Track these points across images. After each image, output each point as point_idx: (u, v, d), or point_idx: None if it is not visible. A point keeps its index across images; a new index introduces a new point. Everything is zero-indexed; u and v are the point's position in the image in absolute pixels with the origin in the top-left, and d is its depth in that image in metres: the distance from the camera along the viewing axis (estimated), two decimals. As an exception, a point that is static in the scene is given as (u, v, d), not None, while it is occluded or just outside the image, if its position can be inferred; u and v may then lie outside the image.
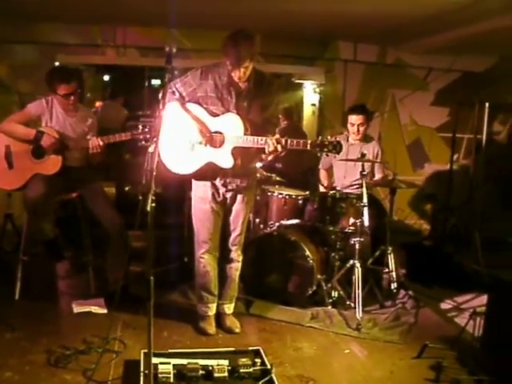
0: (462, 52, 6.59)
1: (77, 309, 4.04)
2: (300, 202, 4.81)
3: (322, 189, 5.15)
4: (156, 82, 9.08)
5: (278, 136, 3.35)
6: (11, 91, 6.12)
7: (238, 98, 3.52)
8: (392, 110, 7.17)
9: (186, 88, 3.57)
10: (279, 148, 3.31)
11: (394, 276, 4.60)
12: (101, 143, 3.99)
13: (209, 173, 3.59)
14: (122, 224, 4.19)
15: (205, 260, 3.76)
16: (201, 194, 3.69)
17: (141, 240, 6.12)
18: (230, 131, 3.44)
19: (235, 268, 3.87)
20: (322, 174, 5.34)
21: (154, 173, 2.57)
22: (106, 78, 9.93)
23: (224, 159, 3.45)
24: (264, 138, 3.34)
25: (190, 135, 3.52)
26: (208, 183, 3.65)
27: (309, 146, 3.30)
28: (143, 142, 3.97)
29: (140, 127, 4.04)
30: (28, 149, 4.06)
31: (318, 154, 3.34)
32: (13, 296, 4.15)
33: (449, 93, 7.18)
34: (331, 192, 4.58)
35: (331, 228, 4.42)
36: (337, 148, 3.28)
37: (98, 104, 8.43)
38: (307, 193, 4.92)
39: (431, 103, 7.28)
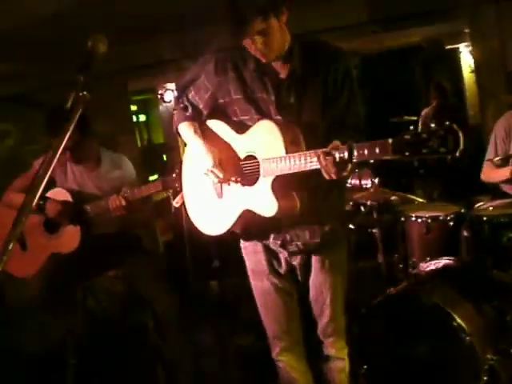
0: None
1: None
2: (451, 224, 3.10)
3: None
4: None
5: (337, 142, 1.82)
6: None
7: (279, 92, 2.07)
8: None
9: (202, 95, 2.20)
10: (335, 167, 1.80)
11: None
12: (123, 203, 2.80)
13: (252, 228, 2.19)
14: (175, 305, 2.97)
15: (285, 364, 2.36)
16: (253, 266, 2.29)
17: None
18: (265, 151, 2.00)
19: (337, 369, 2.36)
20: (488, 171, 3.32)
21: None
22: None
23: (262, 201, 2.01)
24: (318, 154, 1.84)
25: (214, 171, 2.14)
26: (259, 246, 2.24)
27: (391, 150, 1.67)
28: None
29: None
30: (40, 222, 3.03)
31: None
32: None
33: None
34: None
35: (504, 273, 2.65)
36: (446, 143, 1.58)
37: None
38: (462, 211, 3.18)
39: None
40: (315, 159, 1.85)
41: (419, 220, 3.13)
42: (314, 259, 2.22)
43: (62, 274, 2.91)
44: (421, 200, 3.43)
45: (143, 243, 3.07)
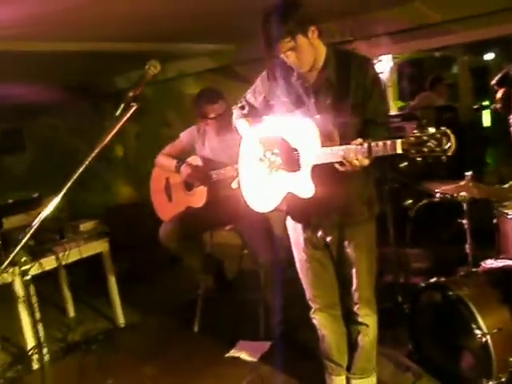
0: None
1: (230, 352, 3.69)
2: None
3: None
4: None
5: (360, 140, 2.18)
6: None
7: (318, 96, 2.49)
8: None
9: (257, 97, 2.73)
10: (357, 159, 2.17)
11: None
12: (235, 174, 3.49)
13: (294, 208, 2.69)
14: (275, 261, 3.60)
15: (317, 321, 2.87)
16: (294, 239, 2.81)
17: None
18: (305, 145, 2.44)
19: (363, 333, 2.77)
20: None
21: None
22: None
23: (303, 185, 2.44)
24: (345, 148, 2.23)
25: (267, 158, 2.66)
26: (298, 224, 2.75)
27: (400, 147, 2.04)
28: None
29: None
30: (182, 180, 3.91)
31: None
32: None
33: None
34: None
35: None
36: (441, 144, 1.94)
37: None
38: None
39: None
40: (342, 152, 2.22)
41: (509, 216, 3.19)
42: (343, 237, 2.63)
43: (193, 222, 3.76)
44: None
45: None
